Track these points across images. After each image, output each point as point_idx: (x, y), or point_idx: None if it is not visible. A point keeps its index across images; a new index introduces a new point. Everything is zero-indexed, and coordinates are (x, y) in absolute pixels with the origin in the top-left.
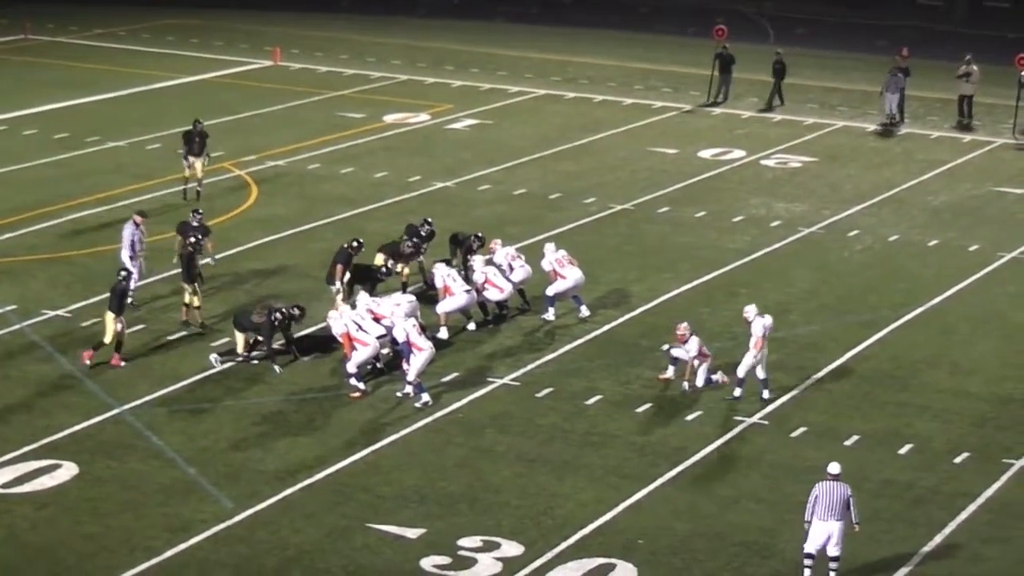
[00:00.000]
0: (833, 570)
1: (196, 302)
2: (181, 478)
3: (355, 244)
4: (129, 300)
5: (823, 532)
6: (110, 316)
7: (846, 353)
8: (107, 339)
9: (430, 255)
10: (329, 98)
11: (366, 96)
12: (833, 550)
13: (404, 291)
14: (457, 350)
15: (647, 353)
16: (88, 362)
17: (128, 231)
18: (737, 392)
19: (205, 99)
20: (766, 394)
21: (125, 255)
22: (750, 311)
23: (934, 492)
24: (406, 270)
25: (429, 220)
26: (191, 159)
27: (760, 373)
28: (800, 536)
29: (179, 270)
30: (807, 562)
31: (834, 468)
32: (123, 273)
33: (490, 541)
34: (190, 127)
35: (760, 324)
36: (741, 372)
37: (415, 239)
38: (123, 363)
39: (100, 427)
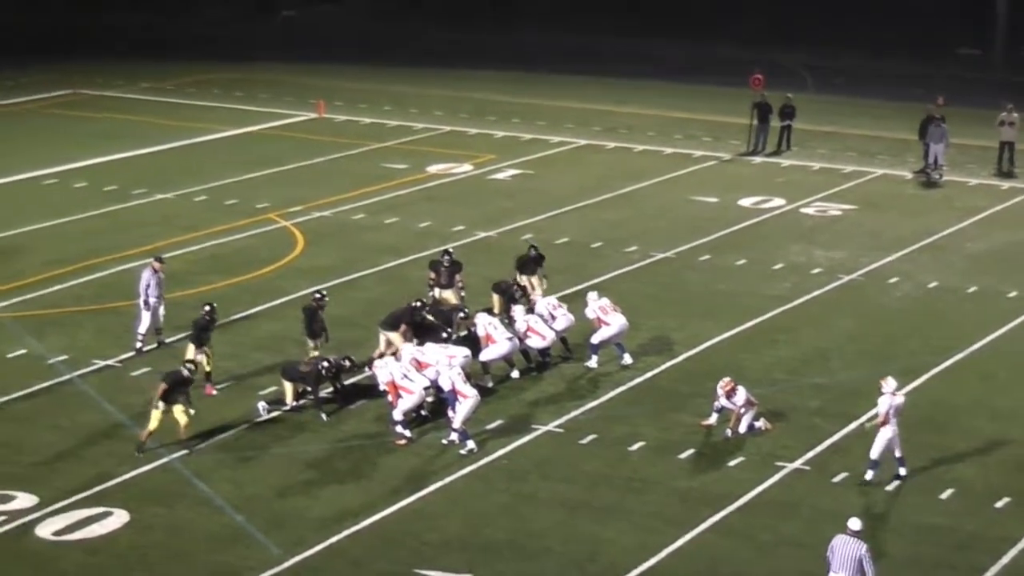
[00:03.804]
0: None
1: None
2: (229, 525)
3: (318, 296)
4: (139, 344)
5: None
6: (191, 348)
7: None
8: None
9: (473, 304)
10: (373, 149)
11: (409, 147)
12: None
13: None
14: (501, 398)
15: (689, 399)
16: (215, 392)
17: (145, 276)
18: (869, 475)
19: (250, 151)
20: (869, 475)
21: (140, 301)
22: (887, 384)
23: (975, 537)
24: (450, 294)
25: (449, 250)
26: (439, 291)
27: (896, 451)
28: None
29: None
30: None
31: (854, 524)
32: (205, 308)
33: None
34: (439, 258)
35: (886, 401)
36: (874, 453)
37: (437, 271)
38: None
39: (149, 475)
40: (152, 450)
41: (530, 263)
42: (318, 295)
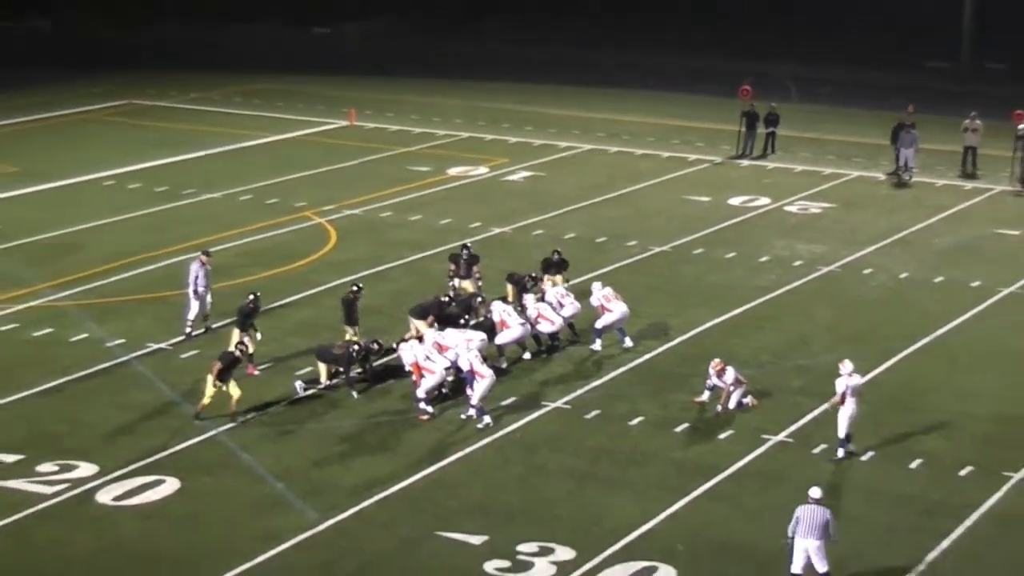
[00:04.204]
0: None
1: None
2: (270, 492)
3: (355, 289)
4: (188, 329)
5: (803, 550)
6: (235, 332)
7: (862, 379)
8: (230, 347)
9: (489, 293)
10: (399, 153)
11: (432, 152)
12: (820, 566)
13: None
14: (514, 377)
15: (684, 379)
16: (257, 372)
17: (193, 268)
18: (840, 453)
19: (289, 155)
20: (840, 453)
21: (190, 291)
22: (844, 367)
23: (942, 503)
24: (468, 284)
25: (467, 244)
26: (458, 281)
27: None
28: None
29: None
30: None
31: (815, 492)
32: (250, 297)
33: (546, 547)
34: (458, 251)
35: (843, 382)
36: (841, 432)
37: (457, 263)
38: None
39: (198, 447)
40: (201, 423)
41: (552, 266)
42: (355, 288)
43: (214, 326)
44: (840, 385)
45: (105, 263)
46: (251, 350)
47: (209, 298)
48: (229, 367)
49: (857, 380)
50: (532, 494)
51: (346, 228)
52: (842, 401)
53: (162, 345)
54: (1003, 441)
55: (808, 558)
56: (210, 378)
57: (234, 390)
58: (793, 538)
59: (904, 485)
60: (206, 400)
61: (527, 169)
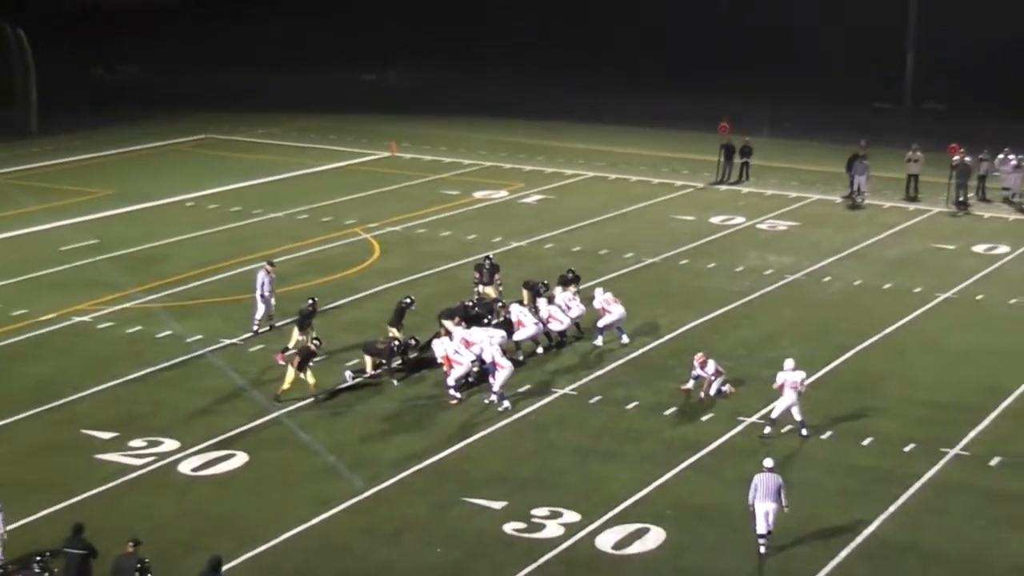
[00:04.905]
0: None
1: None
2: (323, 464)
3: (408, 300)
4: (255, 328)
5: (764, 512)
6: (295, 331)
7: (822, 369)
8: (290, 344)
9: (508, 297)
10: (432, 180)
11: (460, 178)
12: (771, 526)
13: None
14: (529, 368)
15: (672, 370)
16: (282, 361)
17: (260, 275)
18: (767, 430)
19: (340, 181)
20: (804, 432)
21: (257, 295)
22: (787, 364)
23: (890, 473)
24: (490, 290)
25: (489, 256)
26: (482, 287)
27: (796, 415)
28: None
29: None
30: (760, 540)
31: (768, 462)
32: (309, 301)
33: (555, 511)
34: (482, 262)
35: (782, 376)
36: (774, 414)
37: (481, 272)
38: (281, 362)
39: (263, 426)
40: (265, 407)
41: (568, 282)
42: (409, 299)
43: (277, 324)
44: (779, 379)
45: (187, 271)
46: (291, 344)
47: (273, 301)
48: (307, 359)
49: (798, 376)
50: (544, 466)
51: (388, 242)
52: (780, 391)
53: (233, 341)
54: (940, 422)
55: (767, 519)
56: (291, 367)
57: (310, 378)
58: (754, 504)
59: (858, 458)
60: (286, 386)
61: (540, 193)
